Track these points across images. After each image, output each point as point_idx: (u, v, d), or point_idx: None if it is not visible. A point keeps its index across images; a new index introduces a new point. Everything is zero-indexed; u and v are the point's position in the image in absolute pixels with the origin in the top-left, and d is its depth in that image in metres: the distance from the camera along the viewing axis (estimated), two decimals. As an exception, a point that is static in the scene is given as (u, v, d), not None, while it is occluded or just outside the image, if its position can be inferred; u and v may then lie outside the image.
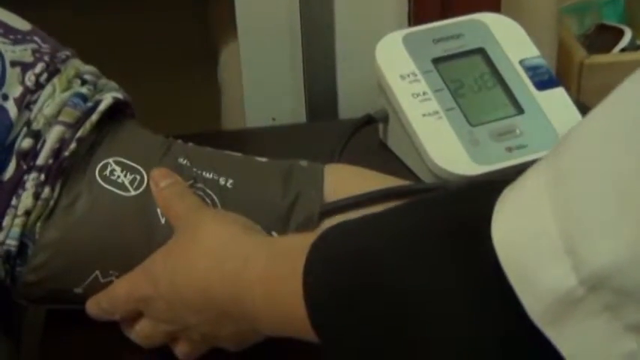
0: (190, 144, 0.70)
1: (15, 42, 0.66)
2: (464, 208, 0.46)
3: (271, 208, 0.66)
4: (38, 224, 0.64)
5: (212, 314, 0.59)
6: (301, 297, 0.50)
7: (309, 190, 0.68)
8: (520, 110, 0.82)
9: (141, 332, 0.64)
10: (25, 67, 0.65)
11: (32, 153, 0.64)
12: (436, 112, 0.81)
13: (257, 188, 0.67)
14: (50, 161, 0.64)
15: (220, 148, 0.71)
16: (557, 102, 0.83)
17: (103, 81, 0.71)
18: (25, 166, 0.63)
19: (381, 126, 0.87)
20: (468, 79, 0.83)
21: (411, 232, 0.48)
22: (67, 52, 0.69)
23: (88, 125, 0.66)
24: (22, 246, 0.64)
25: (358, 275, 0.48)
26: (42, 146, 0.64)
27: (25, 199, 0.63)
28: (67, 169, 0.65)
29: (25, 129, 0.64)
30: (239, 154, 0.71)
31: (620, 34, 1.29)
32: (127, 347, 0.65)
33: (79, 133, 0.65)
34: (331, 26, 0.94)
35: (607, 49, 1.27)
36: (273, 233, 0.65)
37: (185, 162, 0.68)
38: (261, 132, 0.97)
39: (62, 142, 0.64)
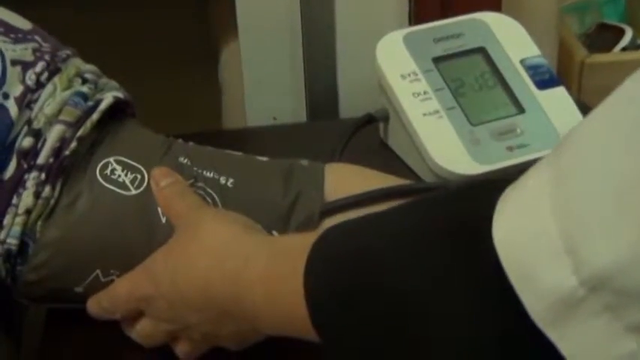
0: (191, 143, 0.70)
1: (16, 41, 0.66)
2: (465, 208, 0.46)
3: (272, 207, 0.66)
4: (39, 223, 0.64)
5: (213, 313, 0.59)
6: (302, 296, 0.50)
7: (310, 190, 0.68)
8: (521, 109, 0.82)
9: (142, 331, 0.64)
10: (26, 66, 0.65)
11: (33, 152, 0.64)
12: (437, 112, 0.81)
13: (258, 187, 0.67)
14: (51, 160, 0.64)
15: (221, 148, 0.71)
16: (557, 101, 0.83)
17: (104, 80, 0.71)
18: (25, 165, 0.63)
19: (381, 125, 0.87)
20: (469, 78, 0.83)
21: (412, 231, 0.48)
22: (68, 51, 0.69)
23: (88, 124, 0.66)
24: (23, 245, 0.64)
25: (359, 275, 0.48)
26: (42, 145, 0.64)
27: (26, 198, 0.63)
28: (67, 168, 0.65)
29: (25, 128, 0.64)
30: (240, 154, 0.71)
31: (621, 33, 1.29)
32: (128, 346, 0.65)
33: (79, 132, 0.65)
34: (332, 26, 0.94)
35: (608, 48, 1.27)
36: (274, 232, 0.65)
37: (186, 161, 0.68)
38: (262, 131, 0.97)
39: (63, 141, 0.64)
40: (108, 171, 0.66)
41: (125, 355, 0.67)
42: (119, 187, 0.65)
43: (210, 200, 0.66)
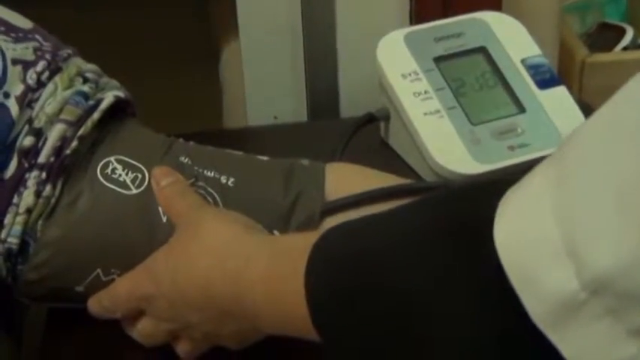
0: (192, 143, 0.70)
1: (16, 40, 0.66)
2: (466, 210, 0.46)
3: (272, 206, 0.66)
4: (40, 222, 0.64)
5: (213, 312, 0.59)
6: (303, 296, 0.50)
7: (311, 189, 0.68)
8: (522, 109, 0.82)
9: (142, 331, 0.64)
10: (27, 65, 0.65)
11: (34, 151, 0.64)
12: (437, 111, 0.81)
13: (258, 187, 0.67)
14: (52, 159, 0.64)
15: (222, 147, 0.71)
16: (558, 101, 0.83)
17: (105, 79, 0.71)
18: (26, 164, 0.63)
19: (382, 125, 0.87)
20: (470, 77, 0.83)
21: (413, 232, 0.48)
22: (69, 51, 0.69)
23: (89, 123, 0.66)
24: (24, 244, 0.64)
25: (359, 275, 0.48)
26: (43, 144, 0.64)
27: (27, 197, 0.63)
28: (68, 167, 0.65)
29: (26, 127, 0.64)
30: (240, 153, 0.71)
31: (622, 32, 1.29)
32: (129, 346, 0.65)
33: (80, 132, 0.65)
34: (332, 25, 0.94)
35: (609, 47, 1.27)
36: (275, 232, 0.65)
37: (186, 160, 0.68)
38: (263, 131, 0.97)
39: (64, 141, 0.64)
40: (109, 170, 0.66)
41: (126, 354, 0.67)
42: (120, 187, 0.65)
43: (210, 200, 0.66)
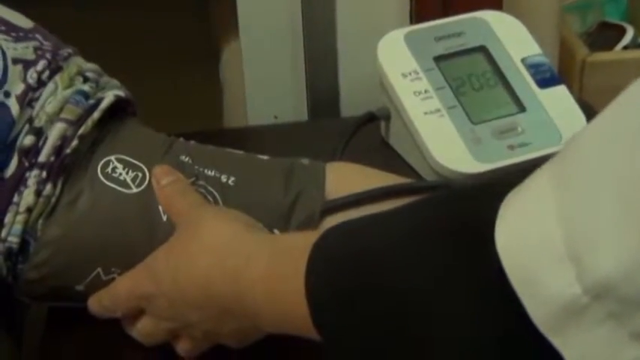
0: (192, 142, 0.70)
1: (17, 39, 0.66)
2: (467, 211, 0.46)
3: (273, 206, 0.66)
4: (40, 221, 0.64)
5: (213, 311, 0.59)
6: (303, 296, 0.50)
7: (311, 189, 0.68)
8: (522, 108, 0.82)
9: (142, 330, 0.64)
10: (27, 64, 0.65)
11: (34, 150, 0.64)
12: (438, 110, 0.81)
13: (259, 186, 0.67)
14: (52, 158, 0.64)
15: (222, 146, 0.71)
16: (559, 100, 0.83)
17: (105, 79, 0.71)
18: (26, 164, 0.63)
19: (382, 124, 0.87)
20: (470, 77, 0.83)
21: (414, 232, 0.47)
22: (69, 50, 0.69)
23: (89, 123, 0.66)
24: (24, 243, 0.64)
25: (360, 275, 0.48)
26: (44, 143, 0.64)
27: (27, 196, 0.63)
28: (68, 167, 0.65)
29: (27, 126, 0.64)
30: (241, 152, 0.71)
31: (622, 31, 1.29)
32: (129, 345, 0.65)
33: (80, 131, 0.65)
34: (333, 24, 0.94)
35: (609, 46, 1.27)
36: (275, 231, 0.65)
37: (187, 159, 0.68)
38: (263, 130, 0.97)
39: (64, 140, 0.64)
40: (109, 169, 0.66)
41: (126, 353, 0.67)
42: (120, 186, 0.65)
43: (211, 198, 0.66)
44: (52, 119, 0.65)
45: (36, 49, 0.67)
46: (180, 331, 0.62)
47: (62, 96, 0.66)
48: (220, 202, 0.66)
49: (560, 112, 0.82)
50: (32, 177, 0.63)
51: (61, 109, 0.65)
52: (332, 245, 0.51)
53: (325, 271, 0.50)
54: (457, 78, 0.83)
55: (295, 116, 0.98)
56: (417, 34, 0.85)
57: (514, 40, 0.85)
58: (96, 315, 0.66)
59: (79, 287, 0.66)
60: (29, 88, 0.65)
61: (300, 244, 0.53)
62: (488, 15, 0.87)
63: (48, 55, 0.67)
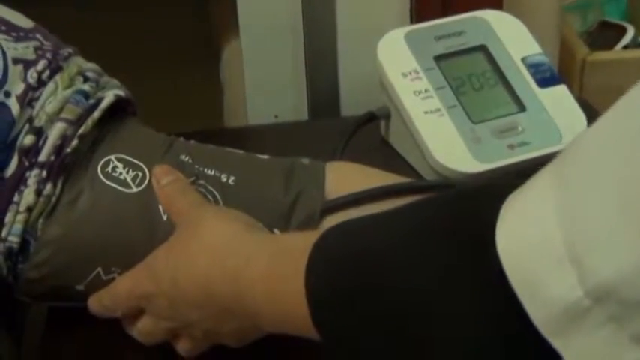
0: (192, 141, 0.70)
1: (17, 39, 0.66)
2: (468, 212, 0.46)
3: (273, 205, 0.66)
4: (40, 221, 0.64)
5: (213, 310, 0.59)
6: (303, 296, 0.50)
7: (311, 188, 0.68)
8: (522, 108, 0.82)
9: (142, 329, 0.64)
10: (28, 64, 0.65)
11: (34, 150, 0.64)
12: (438, 110, 0.81)
13: (259, 186, 0.67)
14: (52, 158, 0.64)
15: (222, 146, 0.71)
16: (559, 99, 0.83)
17: (105, 78, 0.71)
18: (27, 163, 0.64)
19: (382, 123, 0.87)
20: (470, 76, 0.83)
21: (414, 232, 0.47)
22: (70, 50, 0.70)
23: (89, 122, 0.66)
24: (24, 243, 0.64)
25: (360, 275, 0.48)
26: (44, 143, 0.64)
27: (27, 196, 0.63)
28: (69, 166, 0.65)
29: (27, 126, 0.64)
30: (241, 152, 0.71)
31: (623, 31, 1.29)
32: (129, 344, 0.65)
33: (80, 130, 0.65)
34: (333, 24, 0.95)
35: (609, 46, 1.27)
36: (275, 231, 0.65)
37: (187, 159, 0.68)
38: (263, 129, 0.97)
39: (64, 139, 0.64)
40: (109, 169, 0.66)
41: (126, 352, 0.67)
42: (120, 185, 0.65)
43: (211, 198, 0.66)
44: (53, 119, 0.65)
45: (36, 49, 0.67)
46: (180, 331, 0.62)
47: (62, 96, 0.66)
48: (220, 201, 0.66)
49: (560, 111, 0.82)
50: (32, 177, 0.63)
51: (61, 109, 0.65)
52: (332, 245, 0.51)
53: (325, 271, 0.50)
54: (457, 77, 0.83)
55: (295, 116, 0.98)
56: (417, 34, 0.85)
57: (514, 39, 0.85)
58: (96, 314, 0.66)
59: (80, 287, 0.66)
60: (29, 88, 0.65)
61: (300, 244, 0.53)
62: (489, 14, 0.87)
63: (48, 55, 0.67)
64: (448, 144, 0.80)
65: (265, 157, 0.71)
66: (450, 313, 0.44)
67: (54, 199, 0.64)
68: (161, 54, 1.49)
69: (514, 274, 0.41)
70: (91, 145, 0.66)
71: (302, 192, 0.67)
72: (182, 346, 0.63)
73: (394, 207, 0.51)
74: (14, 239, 0.63)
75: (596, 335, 0.39)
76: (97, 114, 0.66)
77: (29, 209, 0.63)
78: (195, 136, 0.72)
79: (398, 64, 0.83)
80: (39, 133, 0.64)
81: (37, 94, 0.65)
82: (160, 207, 0.65)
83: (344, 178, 0.69)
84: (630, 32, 1.29)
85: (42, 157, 0.64)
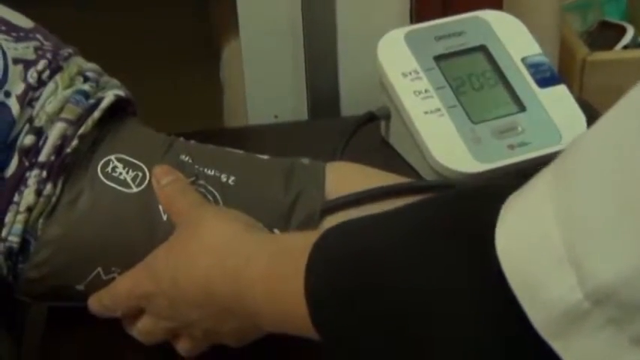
0: (192, 141, 0.71)
1: (17, 39, 0.66)
2: (467, 212, 0.46)
3: (273, 205, 0.66)
4: (40, 221, 0.64)
5: (213, 309, 0.59)
6: (303, 296, 0.50)
7: (311, 188, 0.68)
8: (522, 108, 0.82)
9: (142, 329, 0.64)
10: (28, 64, 0.65)
11: (34, 150, 0.64)
12: (438, 110, 0.81)
13: (259, 186, 0.67)
14: (52, 158, 0.64)
15: (222, 146, 0.71)
16: (559, 99, 0.83)
17: (106, 78, 0.71)
18: (27, 163, 0.64)
19: (382, 123, 0.87)
20: (470, 76, 0.83)
21: (414, 232, 0.47)
22: (70, 50, 0.70)
23: (90, 122, 0.66)
24: (25, 242, 0.64)
25: (360, 275, 0.48)
26: (44, 143, 0.64)
27: (27, 196, 0.63)
28: (69, 166, 0.65)
29: (27, 126, 0.64)
30: (241, 152, 0.71)
31: (623, 31, 1.29)
32: (129, 345, 0.65)
33: (80, 130, 0.65)
34: (333, 24, 0.95)
35: (609, 46, 1.27)
36: (275, 231, 0.65)
37: (187, 159, 0.68)
38: (263, 129, 0.97)
39: (64, 139, 0.65)
40: (109, 169, 0.66)
41: (126, 352, 0.67)
42: (120, 185, 0.65)
43: (211, 198, 0.66)
44: (53, 119, 0.65)
45: (36, 49, 0.67)
46: (180, 331, 0.62)
47: (62, 96, 0.66)
48: (220, 201, 0.66)
49: (560, 111, 0.82)
50: (32, 176, 0.63)
51: (61, 109, 0.65)
52: (332, 245, 0.51)
53: (325, 271, 0.50)
54: (457, 77, 0.83)
55: (295, 116, 0.98)
56: (417, 34, 0.85)
57: (514, 39, 0.85)
58: (96, 314, 0.66)
59: (80, 287, 0.66)
60: (29, 88, 0.65)
61: (300, 244, 0.53)
62: (489, 14, 0.87)
63: (48, 55, 0.67)
64: (448, 144, 0.80)
65: (265, 157, 0.71)
66: (449, 314, 0.44)
67: (54, 199, 0.64)
68: (161, 54, 1.49)
69: (513, 275, 0.41)
70: (91, 145, 0.66)
71: (302, 192, 0.67)
72: (182, 346, 0.63)
73: (394, 207, 0.51)
74: (14, 239, 0.63)
75: (596, 338, 0.39)
76: (97, 114, 0.66)
77: (29, 209, 0.63)
78: (195, 136, 0.72)
79: (398, 64, 0.83)
80: (39, 133, 0.64)
81: (37, 94, 0.65)
82: (160, 207, 0.65)
83: (344, 178, 0.70)
84: (630, 32, 1.29)
85: (42, 157, 0.64)
